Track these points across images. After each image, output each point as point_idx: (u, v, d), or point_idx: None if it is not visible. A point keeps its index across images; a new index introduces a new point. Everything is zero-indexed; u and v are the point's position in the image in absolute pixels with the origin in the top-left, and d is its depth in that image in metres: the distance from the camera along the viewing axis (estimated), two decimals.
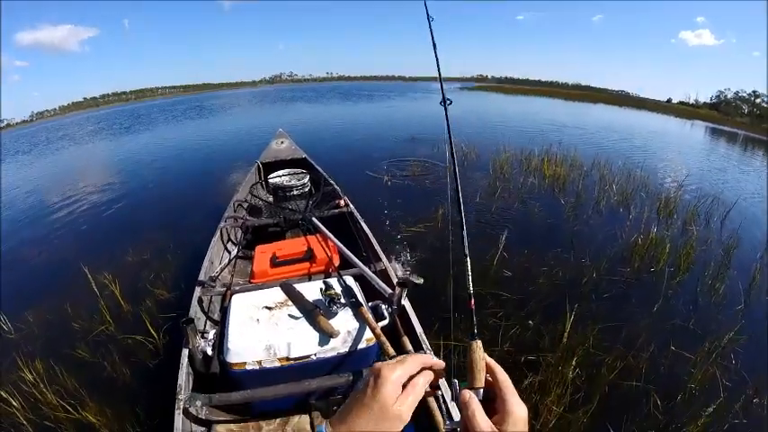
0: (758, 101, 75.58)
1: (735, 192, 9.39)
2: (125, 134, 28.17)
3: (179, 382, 2.43)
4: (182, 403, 2.30)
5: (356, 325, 2.45)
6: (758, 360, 3.92)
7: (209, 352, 2.62)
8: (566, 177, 8.97)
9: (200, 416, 2.35)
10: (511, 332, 3.96)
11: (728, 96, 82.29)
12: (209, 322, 3.32)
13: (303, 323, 2.46)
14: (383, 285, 3.03)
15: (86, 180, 12.74)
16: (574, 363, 3.47)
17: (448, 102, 1.94)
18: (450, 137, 1.63)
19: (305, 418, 2.43)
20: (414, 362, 0.72)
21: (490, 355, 2.48)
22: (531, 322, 4.16)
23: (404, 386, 0.69)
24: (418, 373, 0.72)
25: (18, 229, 8.76)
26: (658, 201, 7.58)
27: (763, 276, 5.31)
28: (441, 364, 0.76)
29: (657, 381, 3.59)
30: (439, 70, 1.99)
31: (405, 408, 0.67)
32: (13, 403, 3.44)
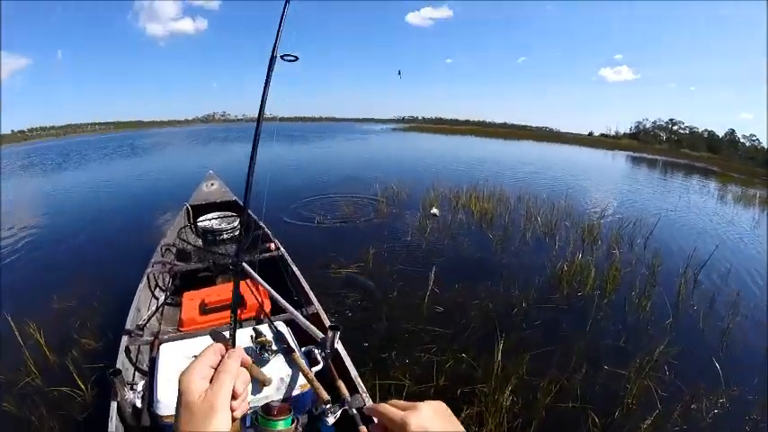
0: (675, 128, 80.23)
1: (655, 213, 9.90)
2: (53, 171, 27.19)
3: None
4: None
5: (289, 371, 2.43)
6: (692, 367, 4.16)
7: (139, 404, 2.55)
8: (493, 212, 9.23)
9: None
10: (445, 366, 4.03)
11: (647, 126, 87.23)
12: (137, 373, 3.25)
13: None
14: (315, 330, 3.01)
15: (9, 220, 12.13)
16: (509, 391, 3.57)
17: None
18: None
19: None
20: (208, 353, 0.72)
21: (425, 391, 2.57)
22: (464, 355, 4.22)
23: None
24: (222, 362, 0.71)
25: None
26: (582, 228, 7.92)
27: (688, 288, 5.60)
28: (238, 351, 0.75)
29: (594, 400, 3.74)
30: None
31: (215, 398, 0.64)
32: None
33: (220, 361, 0.70)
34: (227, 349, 0.74)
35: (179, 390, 0.66)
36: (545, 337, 4.60)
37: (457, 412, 3.05)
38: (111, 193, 15.64)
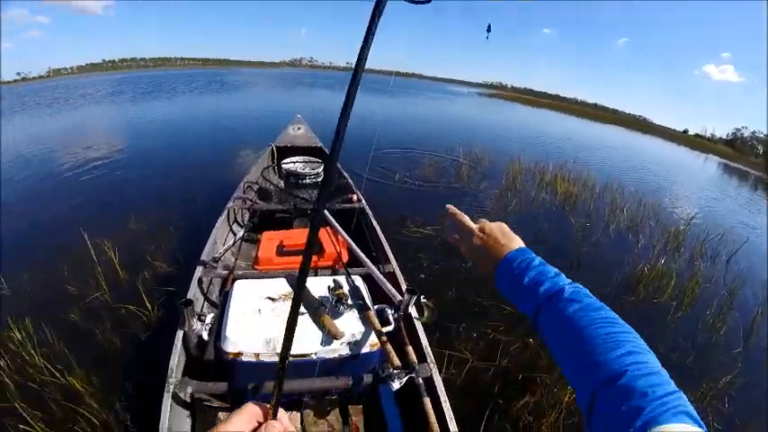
0: None
1: (742, 231, 9.27)
2: (144, 100, 28.14)
3: (170, 364, 2.33)
4: (171, 387, 2.22)
5: (361, 328, 2.37)
6: (751, 405, 3.86)
7: (205, 336, 2.53)
8: (578, 196, 8.90)
9: (188, 400, 2.27)
10: (510, 348, 3.88)
11: (745, 135, 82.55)
12: (207, 304, 3.25)
13: (306, 320, 2.37)
14: (392, 289, 2.90)
15: (98, 141, 12.75)
16: (569, 387, 3.40)
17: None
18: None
19: (296, 416, 2.37)
20: (240, 419, 0.61)
21: (486, 369, 2.44)
22: (531, 340, 4.02)
23: None
24: (258, 427, 0.61)
25: (23, 184, 8.72)
26: (667, 232, 7.46)
27: (763, 322, 5.22)
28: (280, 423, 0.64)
29: None
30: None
31: None
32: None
33: (256, 430, 0.61)
34: (265, 418, 0.63)
35: None
36: None
37: (515, 398, 2.93)
38: (199, 126, 16.05)
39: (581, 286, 0.81)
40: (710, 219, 9.70)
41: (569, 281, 0.83)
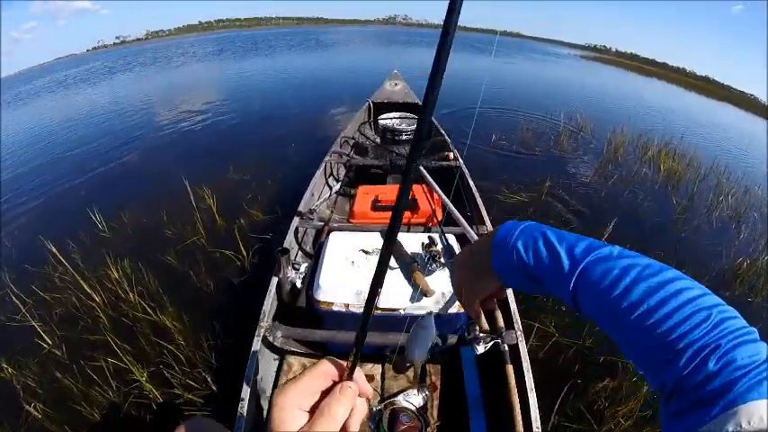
0: None
1: None
2: (243, 58, 28.89)
3: (263, 308, 2.39)
4: (263, 330, 2.27)
5: (451, 288, 2.32)
6: None
7: (299, 285, 2.58)
8: (681, 175, 8.24)
9: (276, 344, 2.35)
10: (596, 328, 3.77)
11: None
12: (301, 254, 3.28)
13: (398, 275, 2.35)
14: None
15: (200, 97, 13.22)
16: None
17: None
18: None
19: (377, 369, 2.36)
20: (316, 374, 0.54)
21: (569, 346, 2.41)
22: None
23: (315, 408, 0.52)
24: (333, 386, 0.54)
25: (125, 132, 9.25)
26: None
27: None
28: (361, 381, 0.56)
29: None
30: None
31: None
32: (95, 298, 3.59)
33: (330, 389, 0.54)
34: (340, 378, 0.55)
35: (269, 413, 0.51)
36: None
37: (594, 380, 2.85)
38: (297, 83, 16.25)
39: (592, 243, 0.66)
40: None
41: (581, 243, 0.66)
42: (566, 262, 0.64)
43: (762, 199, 8.25)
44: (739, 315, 0.57)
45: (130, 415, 2.72)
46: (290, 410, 0.51)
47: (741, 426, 0.43)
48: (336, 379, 0.55)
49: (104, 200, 5.58)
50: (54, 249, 4.12)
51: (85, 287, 3.65)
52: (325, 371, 0.54)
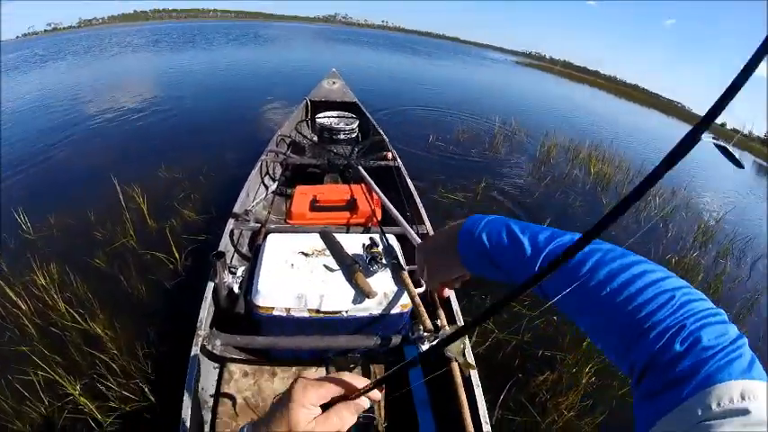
0: None
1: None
2: (179, 51, 28.20)
3: (200, 315, 2.32)
4: (200, 339, 2.20)
5: (394, 288, 2.30)
6: None
7: (236, 289, 2.50)
8: (611, 178, 8.63)
9: (215, 352, 2.28)
10: (533, 323, 3.82)
11: None
12: (237, 257, 3.22)
13: (339, 277, 2.32)
14: None
15: (130, 89, 12.83)
16: (588, 368, 3.34)
17: None
18: None
19: (321, 372, 2.31)
20: (337, 384, 0.64)
21: (508, 341, 2.45)
22: (555, 317, 3.93)
23: (327, 406, 0.63)
24: (343, 398, 0.64)
25: (52, 127, 8.81)
26: (697, 225, 7.29)
27: None
28: (374, 395, 0.65)
29: None
30: None
31: None
32: (21, 305, 3.40)
33: (339, 399, 0.64)
34: (352, 391, 0.64)
35: (289, 394, 0.62)
36: None
37: (535, 374, 2.91)
38: (233, 78, 16.03)
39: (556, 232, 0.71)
40: (741, 220, 9.37)
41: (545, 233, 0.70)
42: (528, 249, 0.68)
43: (688, 199, 8.62)
44: (705, 297, 0.58)
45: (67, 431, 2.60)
46: (306, 407, 0.60)
47: (711, 407, 0.43)
48: (349, 392, 0.64)
49: (29, 199, 5.27)
50: None
51: (10, 294, 3.47)
52: (347, 385, 0.64)
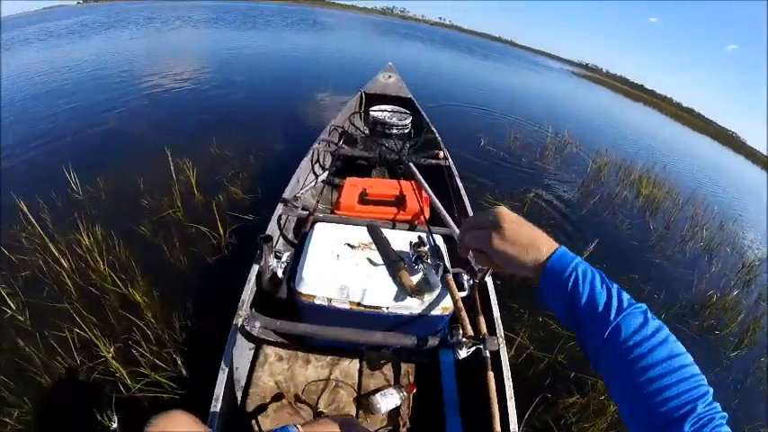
0: None
1: None
2: (239, 30, 28.61)
3: (242, 296, 2.37)
4: (240, 319, 2.23)
5: (437, 290, 2.27)
6: None
7: (280, 274, 2.50)
8: (660, 202, 8.39)
9: (253, 333, 2.30)
10: (567, 345, 3.77)
11: None
12: (282, 242, 3.24)
13: (383, 272, 2.31)
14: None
15: (190, 64, 13.07)
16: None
17: None
18: None
19: (354, 364, 2.38)
20: None
21: (540, 359, 2.35)
22: None
23: None
24: None
25: (111, 95, 9.04)
26: (741, 263, 7.07)
27: None
28: None
29: None
30: None
31: None
32: (63, 263, 3.49)
33: None
34: None
35: None
36: None
37: (564, 396, 2.86)
38: (290, 63, 16.11)
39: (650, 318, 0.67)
40: None
41: (635, 304, 0.68)
42: (604, 312, 0.67)
43: (735, 234, 8.38)
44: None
45: (94, 391, 2.64)
46: None
47: None
48: None
49: (82, 160, 5.39)
50: (24, 208, 3.98)
51: (54, 251, 3.55)
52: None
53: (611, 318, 0.65)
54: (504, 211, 0.78)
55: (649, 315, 0.66)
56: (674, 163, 13.73)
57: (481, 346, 2.12)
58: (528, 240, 0.74)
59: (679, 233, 7.10)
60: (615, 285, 0.69)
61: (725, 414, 0.59)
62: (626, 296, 0.68)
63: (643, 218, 7.35)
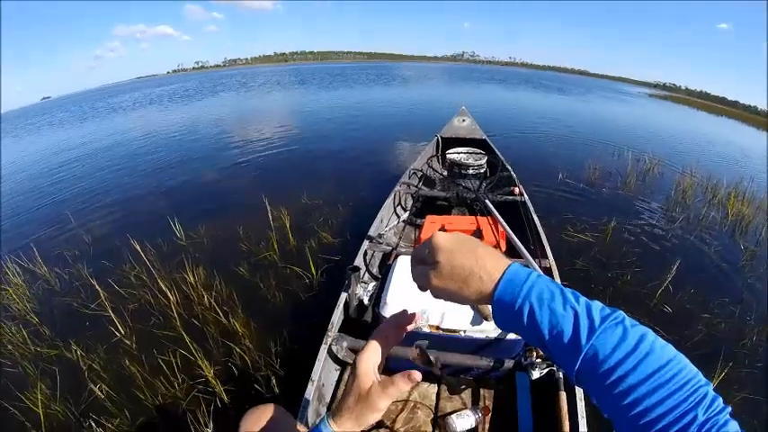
0: None
1: None
2: (322, 89, 29.96)
3: (332, 320, 2.59)
4: (329, 339, 2.46)
5: None
6: None
7: (365, 301, 2.75)
8: (750, 219, 7.74)
9: (339, 356, 2.49)
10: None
11: None
12: (368, 275, 3.44)
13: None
14: None
15: (278, 123, 14.13)
16: None
17: None
18: None
19: (432, 388, 2.49)
20: (375, 342, 0.75)
21: None
22: None
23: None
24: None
25: (214, 152, 10.02)
26: None
27: None
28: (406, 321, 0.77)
29: None
30: None
31: (380, 400, 0.69)
32: (170, 296, 3.83)
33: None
34: (395, 332, 0.77)
35: (354, 376, 0.71)
36: (765, 385, 3.73)
37: None
38: (371, 114, 16.83)
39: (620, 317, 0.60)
40: None
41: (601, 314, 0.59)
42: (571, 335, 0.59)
43: None
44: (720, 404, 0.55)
45: (191, 407, 2.90)
46: (368, 374, 0.70)
47: None
48: (392, 339, 0.76)
49: (184, 211, 5.96)
50: (138, 248, 4.42)
51: (162, 286, 3.92)
52: (383, 337, 0.76)
53: (583, 342, 0.57)
54: (437, 239, 0.68)
55: (628, 324, 0.58)
56: (762, 174, 13.06)
57: (554, 368, 2.24)
58: (466, 271, 0.64)
59: None
60: (582, 300, 0.61)
61: (728, 408, 0.54)
62: (597, 310, 0.59)
63: (732, 237, 7.07)
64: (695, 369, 0.57)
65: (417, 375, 0.67)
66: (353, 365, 0.72)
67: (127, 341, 3.53)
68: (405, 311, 0.77)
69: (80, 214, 6.61)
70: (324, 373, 2.39)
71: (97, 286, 3.94)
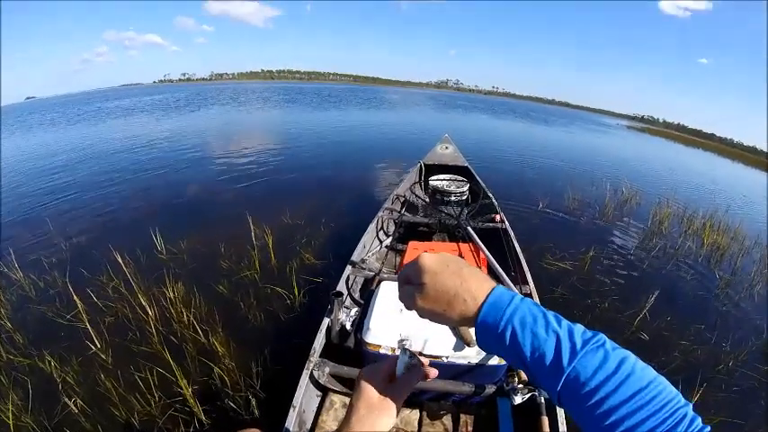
0: None
1: None
2: (312, 109, 30.23)
3: (314, 345, 2.60)
4: (311, 365, 2.47)
5: None
6: None
7: (348, 327, 2.76)
8: (725, 249, 8.06)
9: (321, 381, 2.50)
10: None
11: None
12: (350, 300, 3.45)
13: (443, 326, 2.48)
14: None
15: (262, 141, 14.24)
16: None
17: None
18: None
19: (414, 414, 2.50)
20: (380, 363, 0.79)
21: None
22: None
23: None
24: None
25: (199, 166, 10.10)
26: None
27: None
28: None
29: None
30: None
31: (396, 400, 0.73)
32: (149, 311, 3.80)
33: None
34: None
35: (358, 385, 0.75)
36: (739, 408, 3.90)
37: None
38: (356, 138, 17.01)
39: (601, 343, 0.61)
40: None
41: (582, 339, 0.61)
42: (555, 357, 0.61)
43: None
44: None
45: (168, 426, 2.87)
46: (375, 382, 0.76)
47: None
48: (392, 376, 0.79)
49: (166, 225, 5.91)
50: (119, 259, 4.40)
51: (141, 299, 3.89)
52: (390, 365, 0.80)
53: (565, 364, 0.59)
54: (423, 260, 0.70)
55: (609, 347, 0.60)
56: (737, 205, 13.33)
57: (536, 393, 2.27)
58: (450, 293, 0.66)
59: (746, 278, 6.90)
60: (565, 323, 0.62)
61: (707, 428, 0.57)
62: (579, 333, 0.61)
63: (708, 266, 7.19)
64: (675, 390, 0.60)
65: (433, 372, 0.75)
66: (357, 380, 0.76)
67: (102, 355, 3.49)
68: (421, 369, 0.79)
69: (59, 221, 6.56)
70: (305, 399, 2.40)
71: (74, 296, 3.87)
